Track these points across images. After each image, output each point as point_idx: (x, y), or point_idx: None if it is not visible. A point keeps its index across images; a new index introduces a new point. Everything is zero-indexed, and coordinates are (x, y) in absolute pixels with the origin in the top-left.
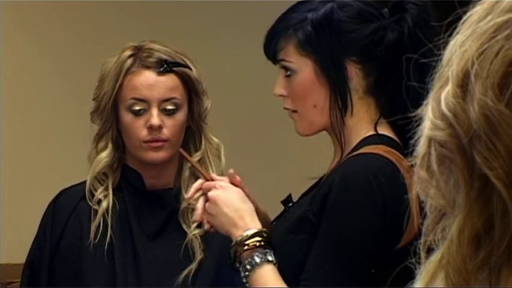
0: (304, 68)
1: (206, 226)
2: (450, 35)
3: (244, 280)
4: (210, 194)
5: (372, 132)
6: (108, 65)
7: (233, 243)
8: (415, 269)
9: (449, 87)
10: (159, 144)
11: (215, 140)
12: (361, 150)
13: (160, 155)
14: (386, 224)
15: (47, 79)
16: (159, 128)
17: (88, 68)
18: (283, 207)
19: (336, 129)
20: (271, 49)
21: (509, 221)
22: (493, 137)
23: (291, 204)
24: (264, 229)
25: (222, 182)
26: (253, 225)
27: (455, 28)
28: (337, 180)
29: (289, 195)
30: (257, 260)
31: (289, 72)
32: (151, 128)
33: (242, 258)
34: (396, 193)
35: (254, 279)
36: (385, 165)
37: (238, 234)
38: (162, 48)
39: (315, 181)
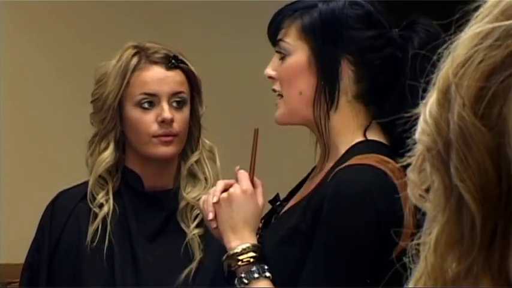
0: (299, 52)
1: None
2: (452, 34)
3: None
4: (231, 190)
5: (361, 139)
6: (108, 66)
7: (227, 256)
8: (409, 274)
9: (435, 93)
10: (169, 138)
11: (207, 142)
12: (352, 161)
13: (170, 150)
14: (381, 236)
15: (47, 79)
16: (171, 121)
17: (88, 68)
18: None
19: (319, 124)
20: (274, 27)
21: (476, 234)
22: (465, 149)
23: (278, 203)
24: (258, 244)
25: (249, 187)
26: (250, 239)
27: (459, 26)
28: (330, 194)
29: (277, 195)
30: (255, 274)
31: (283, 55)
32: (163, 122)
33: (238, 271)
34: (389, 204)
35: None
36: (377, 177)
37: (233, 244)
38: (163, 47)
39: (302, 178)
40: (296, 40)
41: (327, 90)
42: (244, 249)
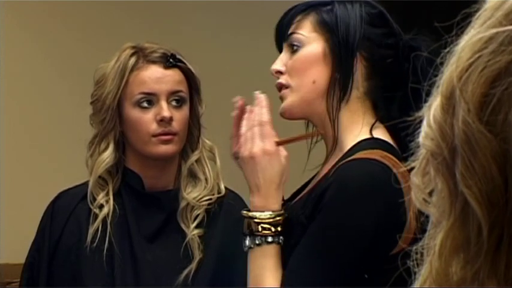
0: (314, 43)
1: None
2: (458, 35)
3: (245, 249)
4: (255, 150)
5: (367, 136)
6: (106, 67)
7: (249, 216)
8: (413, 274)
9: (439, 97)
10: (169, 137)
11: (208, 142)
12: (357, 155)
13: (170, 148)
14: (381, 230)
15: (47, 79)
16: (170, 120)
17: (88, 69)
18: None
19: (330, 114)
20: (285, 21)
21: (483, 240)
22: (470, 155)
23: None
24: (282, 211)
25: (272, 147)
26: (274, 203)
27: (461, 28)
28: (332, 185)
29: None
30: (269, 238)
31: (295, 47)
32: (162, 121)
33: (256, 233)
34: (392, 199)
35: (257, 255)
36: (381, 171)
37: (257, 203)
38: (161, 46)
39: (306, 180)
40: (311, 32)
41: (341, 81)
42: (266, 217)
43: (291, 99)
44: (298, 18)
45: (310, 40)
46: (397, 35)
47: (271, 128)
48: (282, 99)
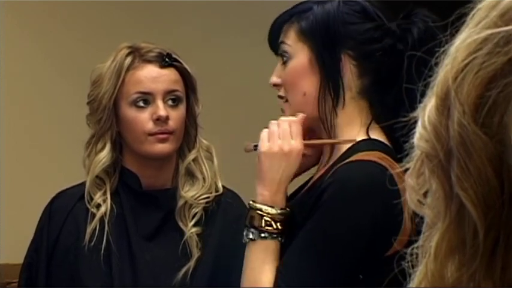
0: (300, 54)
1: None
2: (452, 34)
3: (247, 240)
4: (292, 144)
5: (363, 137)
6: (102, 68)
7: (253, 206)
8: (408, 276)
9: (433, 98)
10: (165, 136)
11: (205, 141)
12: (354, 157)
13: (166, 147)
14: (378, 231)
15: (47, 79)
16: (166, 119)
17: (88, 68)
18: None
19: (325, 121)
20: (273, 33)
21: (479, 243)
22: (466, 158)
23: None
24: (287, 210)
25: (301, 146)
26: (284, 196)
27: (456, 27)
28: (332, 185)
29: None
30: (274, 234)
31: (285, 58)
32: (158, 120)
33: (257, 225)
34: (390, 201)
35: (259, 248)
36: (380, 173)
37: (267, 198)
38: (157, 46)
39: (302, 182)
40: (296, 43)
41: (330, 87)
42: (273, 212)
43: (288, 113)
44: (283, 28)
45: (296, 51)
46: (384, 27)
47: (301, 127)
48: (283, 112)
